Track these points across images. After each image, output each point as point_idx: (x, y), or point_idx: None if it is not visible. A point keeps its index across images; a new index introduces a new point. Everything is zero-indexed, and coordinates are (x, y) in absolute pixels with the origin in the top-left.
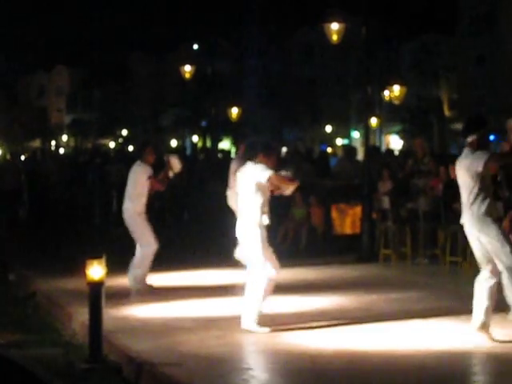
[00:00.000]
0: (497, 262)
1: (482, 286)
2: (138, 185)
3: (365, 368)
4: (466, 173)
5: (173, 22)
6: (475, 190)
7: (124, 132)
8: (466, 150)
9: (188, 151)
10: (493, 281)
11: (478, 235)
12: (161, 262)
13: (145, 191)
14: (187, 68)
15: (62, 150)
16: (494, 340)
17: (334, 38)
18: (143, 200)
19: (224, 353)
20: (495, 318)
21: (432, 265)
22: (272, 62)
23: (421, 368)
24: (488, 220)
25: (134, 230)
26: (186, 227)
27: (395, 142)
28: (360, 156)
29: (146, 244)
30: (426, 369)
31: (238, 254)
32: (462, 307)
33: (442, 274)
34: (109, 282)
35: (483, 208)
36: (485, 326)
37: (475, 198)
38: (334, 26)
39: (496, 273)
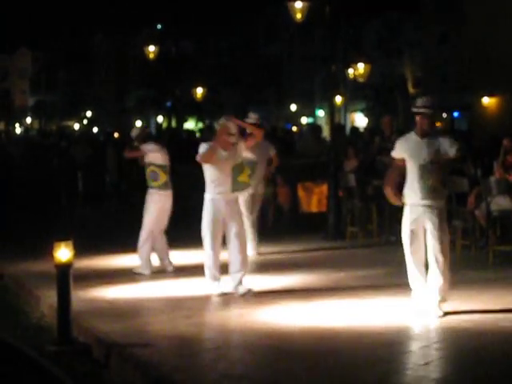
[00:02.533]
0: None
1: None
2: None
3: (334, 345)
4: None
5: (135, 2)
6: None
7: (88, 113)
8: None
9: (153, 132)
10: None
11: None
12: (129, 243)
13: None
14: (151, 48)
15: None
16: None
17: (298, 16)
18: None
19: (193, 333)
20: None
21: (398, 242)
22: (236, 41)
23: (389, 344)
24: None
25: None
26: None
27: (360, 120)
28: (325, 134)
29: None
30: (395, 345)
31: None
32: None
33: None
34: (76, 263)
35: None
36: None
37: None
38: (298, 5)
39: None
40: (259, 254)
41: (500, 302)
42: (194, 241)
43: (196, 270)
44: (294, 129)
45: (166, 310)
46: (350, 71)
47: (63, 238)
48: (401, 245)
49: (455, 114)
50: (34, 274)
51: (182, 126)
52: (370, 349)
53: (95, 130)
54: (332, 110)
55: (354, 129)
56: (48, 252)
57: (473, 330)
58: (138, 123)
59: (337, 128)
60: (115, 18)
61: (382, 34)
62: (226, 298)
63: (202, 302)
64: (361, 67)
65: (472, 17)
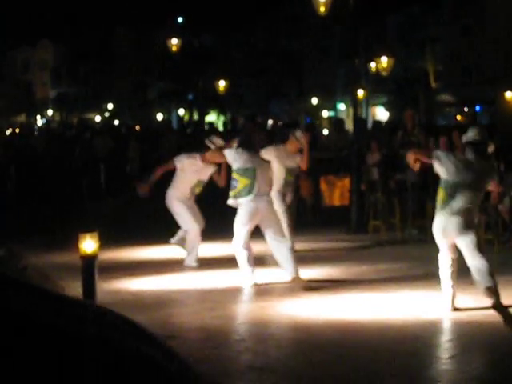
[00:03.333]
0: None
1: (446, 268)
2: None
3: (357, 338)
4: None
5: None
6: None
7: (110, 106)
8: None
9: (174, 125)
10: (453, 262)
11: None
12: (153, 235)
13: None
14: (174, 41)
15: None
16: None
17: (322, 9)
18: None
19: (217, 325)
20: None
21: (421, 235)
22: (258, 35)
23: (414, 338)
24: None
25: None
26: None
27: (381, 114)
28: (347, 128)
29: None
30: (419, 338)
31: None
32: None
33: (431, 245)
34: (100, 255)
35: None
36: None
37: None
38: None
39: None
40: None
41: None
42: (219, 233)
43: (220, 263)
44: (315, 122)
45: (190, 302)
46: (373, 65)
47: (88, 230)
48: (422, 238)
49: (477, 108)
50: (58, 266)
51: (203, 118)
52: (394, 342)
53: (116, 122)
54: (355, 104)
55: (377, 122)
56: (72, 244)
57: (497, 324)
58: (160, 116)
59: (360, 122)
60: (137, 11)
61: (404, 27)
62: (251, 291)
63: (227, 294)
64: (384, 61)
65: (494, 10)
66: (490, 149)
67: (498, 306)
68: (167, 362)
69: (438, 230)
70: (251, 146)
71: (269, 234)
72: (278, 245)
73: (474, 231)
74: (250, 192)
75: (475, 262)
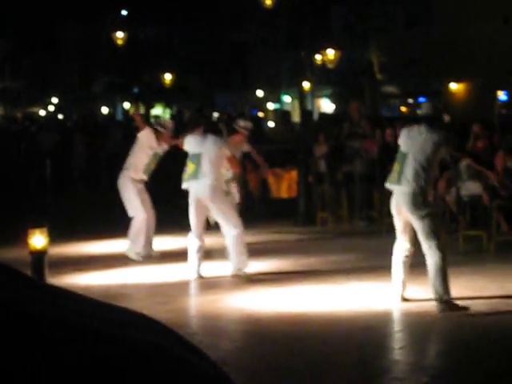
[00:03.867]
0: (424, 244)
1: (399, 258)
2: None
3: (308, 329)
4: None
5: None
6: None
7: (54, 100)
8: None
9: (120, 118)
10: (409, 253)
11: (409, 213)
12: (101, 230)
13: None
14: (119, 34)
15: None
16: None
17: (268, 1)
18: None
19: (168, 319)
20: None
21: (369, 226)
22: (204, 27)
23: (364, 329)
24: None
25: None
26: None
27: (327, 106)
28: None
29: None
30: (370, 329)
31: None
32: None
33: (379, 236)
34: (49, 250)
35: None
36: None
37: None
38: None
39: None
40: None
41: (471, 287)
42: (168, 227)
43: (172, 256)
44: (261, 114)
45: (140, 296)
46: (318, 57)
47: (38, 225)
48: (370, 229)
49: (421, 100)
50: (6, 261)
51: (149, 112)
52: (345, 333)
53: (61, 116)
54: (301, 96)
55: (323, 114)
56: (21, 239)
57: (445, 314)
58: (105, 110)
59: (306, 114)
60: (81, 4)
61: (348, 19)
62: (201, 284)
63: (178, 288)
64: (331, 53)
65: (439, 1)
66: (446, 119)
67: (446, 302)
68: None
69: (392, 207)
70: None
71: (219, 222)
72: (225, 234)
73: (430, 215)
74: (195, 177)
75: (426, 253)
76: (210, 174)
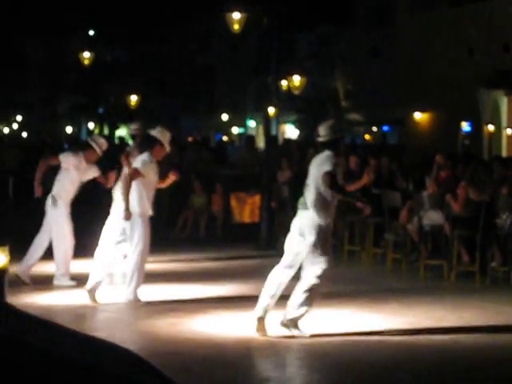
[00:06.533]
0: (307, 267)
1: (279, 277)
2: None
3: (265, 354)
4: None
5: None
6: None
7: (19, 118)
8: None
9: (84, 138)
10: (290, 275)
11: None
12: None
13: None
14: (86, 54)
15: None
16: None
17: (236, 27)
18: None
19: (127, 340)
20: None
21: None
22: (170, 50)
23: (322, 356)
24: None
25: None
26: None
27: (291, 132)
28: (257, 145)
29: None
30: (327, 356)
31: None
32: (360, 293)
33: (341, 263)
34: (9, 269)
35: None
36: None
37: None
38: (236, 16)
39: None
40: (192, 260)
41: (430, 316)
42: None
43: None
44: (225, 138)
45: (99, 318)
46: (284, 83)
47: None
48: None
49: (385, 128)
50: None
51: (113, 132)
52: (300, 359)
53: (24, 134)
54: (266, 122)
55: (287, 140)
56: None
57: (403, 343)
58: (69, 129)
59: (271, 139)
60: (48, 22)
61: (314, 46)
62: (159, 307)
63: (136, 310)
64: (296, 80)
65: (404, 31)
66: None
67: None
68: None
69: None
70: None
71: None
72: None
73: (313, 242)
74: None
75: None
76: None
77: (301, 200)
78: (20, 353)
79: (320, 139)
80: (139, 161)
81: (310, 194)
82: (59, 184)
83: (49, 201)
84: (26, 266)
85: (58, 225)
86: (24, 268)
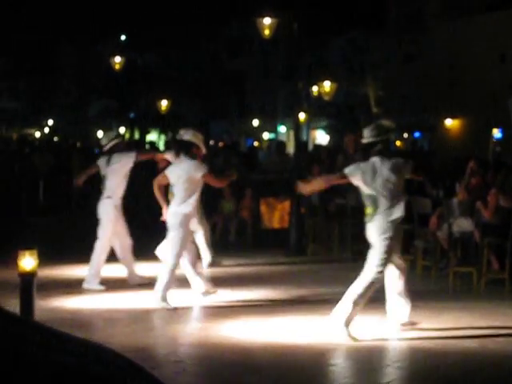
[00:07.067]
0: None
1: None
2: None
3: (295, 361)
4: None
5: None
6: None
7: (50, 122)
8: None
9: None
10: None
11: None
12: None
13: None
14: (117, 59)
15: None
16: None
17: (266, 32)
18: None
19: (156, 345)
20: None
21: (358, 261)
22: (201, 55)
23: (354, 361)
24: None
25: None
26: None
27: (321, 138)
28: (287, 150)
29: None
30: (359, 363)
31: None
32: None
33: None
34: (38, 272)
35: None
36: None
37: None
38: (267, 21)
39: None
40: (223, 266)
41: (460, 323)
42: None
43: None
44: (256, 144)
45: (129, 321)
46: (314, 88)
47: (28, 247)
48: (359, 263)
49: (416, 135)
50: None
51: (144, 137)
52: (332, 366)
53: (56, 138)
54: (297, 128)
55: (318, 146)
56: (10, 261)
57: (433, 350)
58: (100, 133)
59: (301, 145)
60: (80, 27)
61: (346, 52)
62: (189, 312)
63: (166, 314)
64: (327, 85)
65: (435, 37)
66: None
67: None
68: None
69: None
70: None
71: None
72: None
73: (379, 247)
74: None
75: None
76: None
77: (367, 211)
78: (15, 359)
79: (364, 140)
80: (199, 167)
81: (384, 201)
82: (113, 190)
83: (102, 207)
84: (131, 271)
85: (105, 228)
86: (130, 275)
